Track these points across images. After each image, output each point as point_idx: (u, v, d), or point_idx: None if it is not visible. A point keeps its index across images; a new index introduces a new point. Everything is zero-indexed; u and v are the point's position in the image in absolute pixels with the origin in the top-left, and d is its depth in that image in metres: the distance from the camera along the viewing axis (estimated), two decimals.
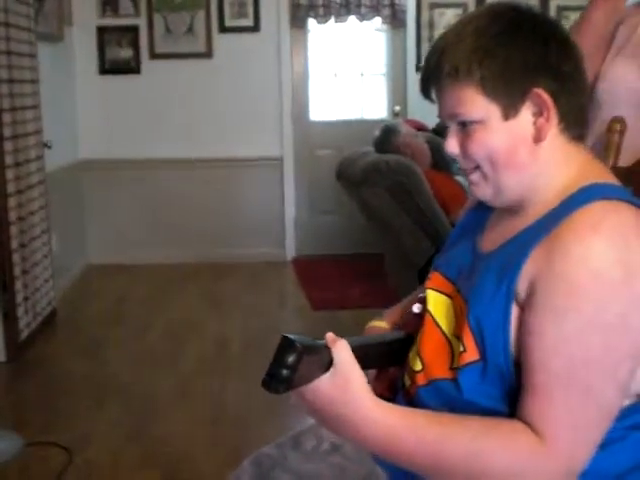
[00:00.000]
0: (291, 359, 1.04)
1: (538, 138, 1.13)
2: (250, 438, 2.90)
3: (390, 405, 1.12)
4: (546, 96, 1.11)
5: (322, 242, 5.94)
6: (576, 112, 1.16)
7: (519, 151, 1.13)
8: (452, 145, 1.18)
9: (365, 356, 1.14)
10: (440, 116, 1.20)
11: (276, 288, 5.27)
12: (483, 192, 1.18)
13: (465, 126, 1.15)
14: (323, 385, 1.09)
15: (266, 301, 4.85)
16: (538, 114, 1.13)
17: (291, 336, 1.06)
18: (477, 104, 1.12)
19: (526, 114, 1.13)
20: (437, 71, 1.14)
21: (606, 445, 1.10)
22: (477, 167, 1.16)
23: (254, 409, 3.12)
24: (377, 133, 4.62)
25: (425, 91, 1.19)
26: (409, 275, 3.98)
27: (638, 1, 1.92)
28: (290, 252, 5.92)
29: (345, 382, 1.09)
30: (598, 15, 1.89)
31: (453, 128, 1.17)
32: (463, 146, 1.16)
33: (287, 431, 1.50)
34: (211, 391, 3.39)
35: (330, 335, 1.13)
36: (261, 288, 5.19)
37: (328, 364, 1.10)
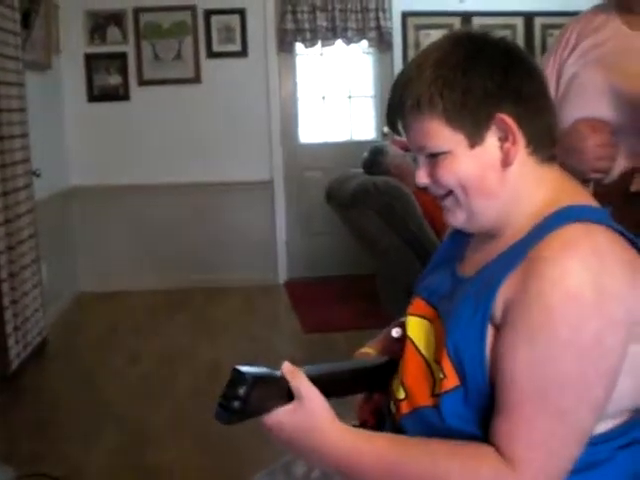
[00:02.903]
0: (242, 391, 1.07)
1: (506, 163, 1.14)
2: (244, 465, 2.87)
3: (352, 429, 1.13)
4: (510, 120, 1.12)
5: (314, 264, 5.92)
6: (543, 133, 1.16)
7: (488, 177, 1.14)
8: (422, 177, 1.19)
9: (322, 386, 1.14)
10: (409, 148, 1.21)
11: (268, 312, 5.24)
12: (456, 218, 1.19)
13: (434, 157, 1.15)
14: (285, 415, 1.11)
15: (258, 326, 4.83)
16: (504, 139, 1.13)
17: (242, 368, 1.08)
18: (442, 135, 1.13)
19: (492, 140, 1.13)
20: (401, 105, 1.15)
21: (596, 466, 1.10)
22: (449, 193, 1.17)
23: (248, 436, 3.08)
24: (366, 155, 4.64)
25: (391, 125, 1.20)
26: (400, 296, 3.96)
27: (595, 6, 1.93)
28: (282, 275, 5.91)
29: (306, 409, 1.10)
30: None
31: (422, 160, 1.18)
32: (433, 175, 1.17)
33: (280, 458, 1.49)
34: (205, 418, 3.35)
35: (286, 365, 1.14)
36: (253, 312, 5.16)
37: (288, 394, 1.11)
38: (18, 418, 3.48)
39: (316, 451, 1.11)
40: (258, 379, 1.08)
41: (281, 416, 1.10)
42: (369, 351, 1.40)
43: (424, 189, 1.21)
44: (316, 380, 1.13)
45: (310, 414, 1.10)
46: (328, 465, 1.12)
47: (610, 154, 1.68)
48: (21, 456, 3.05)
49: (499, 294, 1.08)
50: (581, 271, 1.04)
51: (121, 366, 4.12)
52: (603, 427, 1.11)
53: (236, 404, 1.07)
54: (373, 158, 4.56)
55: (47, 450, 3.11)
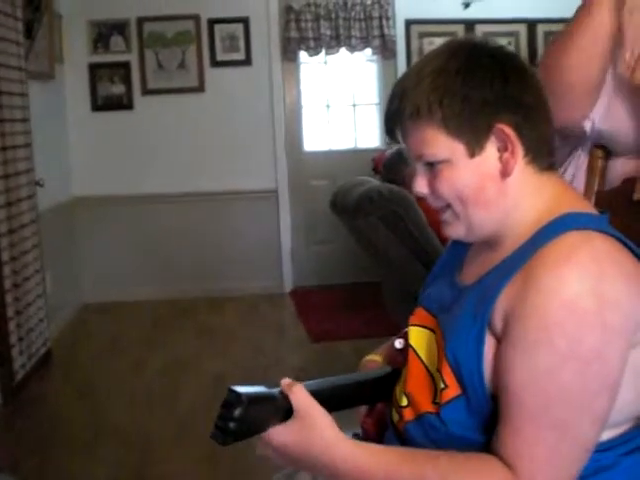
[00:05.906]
0: (237, 412, 1.05)
1: (505, 173, 1.13)
2: (248, 476, 2.85)
3: (359, 443, 1.12)
4: (509, 130, 1.11)
5: (320, 273, 5.91)
6: (541, 142, 1.15)
7: (487, 188, 1.13)
8: (421, 185, 1.17)
9: (323, 400, 1.13)
10: (409, 156, 1.20)
11: (274, 321, 5.22)
12: (456, 230, 1.18)
13: (432, 166, 1.14)
14: (286, 431, 1.10)
15: (264, 335, 4.81)
16: (503, 149, 1.12)
17: (237, 388, 1.07)
18: (441, 144, 1.12)
19: (491, 150, 1.12)
20: (399, 113, 1.14)
21: (601, 472, 1.09)
22: (448, 206, 1.16)
23: (252, 446, 3.06)
24: (389, 155, 4.60)
25: (390, 133, 1.20)
26: (406, 303, 3.93)
27: None
28: (288, 284, 5.89)
29: (308, 425, 1.09)
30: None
31: (421, 168, 1.17)
32: (432, 185, 1.16)
33: (283, 468, 1.47)
34: (208, 430, 3.33)
35: (285, 381, 1.13)
36: (259, 322, 5.14)
37: (286, 410, 1.09)
38: (22, 429, 3.46)
39: (319, 465, 1.10)
40: (254, 399, 1.07)
41: (280, 433, 1.10)
42: (376, 358, 1.40)
43: (423, 198, 1.19)
44: (317, 394, 1.12)
45: (311, 428, 1.09)
46: (334, 476, 1.11)
47: None
48: (25, 467, 3.04)
49: (498, 304, 1.07)
50: (579, 280, 1.02)
51: (125, 377, 4.11)
52: (607, 435, 1.10)
53: (232, 425, 1.06)
54: (396, 162, 4.52)
55: (51, 461, 3.09)
